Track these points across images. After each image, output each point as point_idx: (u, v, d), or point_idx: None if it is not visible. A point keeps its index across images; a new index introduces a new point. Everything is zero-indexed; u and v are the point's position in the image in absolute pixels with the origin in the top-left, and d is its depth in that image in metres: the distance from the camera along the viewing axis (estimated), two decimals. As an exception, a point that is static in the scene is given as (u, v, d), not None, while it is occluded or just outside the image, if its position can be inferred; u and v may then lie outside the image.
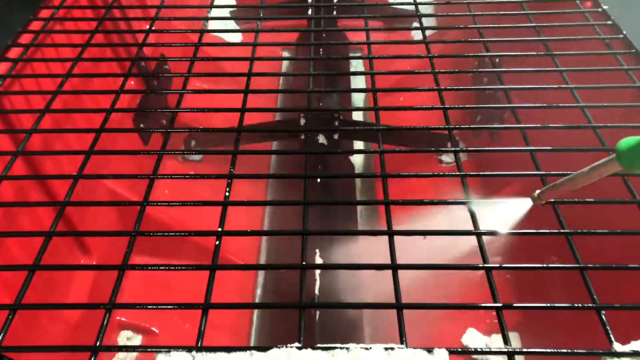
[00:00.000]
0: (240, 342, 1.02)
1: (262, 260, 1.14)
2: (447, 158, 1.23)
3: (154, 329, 0.98)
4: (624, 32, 0.77)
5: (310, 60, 0.77)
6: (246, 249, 1.15)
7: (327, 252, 1.05)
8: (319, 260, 1.03)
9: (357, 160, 1.27)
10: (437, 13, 1.13)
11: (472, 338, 0.88)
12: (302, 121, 1.14)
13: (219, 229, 0.53)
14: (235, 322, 1.05)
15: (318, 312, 0.84)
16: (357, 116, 1.38)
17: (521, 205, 0.55)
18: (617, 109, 0.72)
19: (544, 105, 0.67)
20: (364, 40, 0.82)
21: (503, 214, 0.56)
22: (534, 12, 0.83)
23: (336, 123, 1.15)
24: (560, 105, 0.67)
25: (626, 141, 0.41)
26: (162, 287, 1.06)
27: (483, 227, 0.53)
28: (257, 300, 1.09)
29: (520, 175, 0.61)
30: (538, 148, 0.61)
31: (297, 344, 0.43)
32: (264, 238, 1.16)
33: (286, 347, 0.43)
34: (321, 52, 1.31)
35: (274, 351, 0.43)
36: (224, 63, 0.91)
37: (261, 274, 1.11)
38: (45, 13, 0.87)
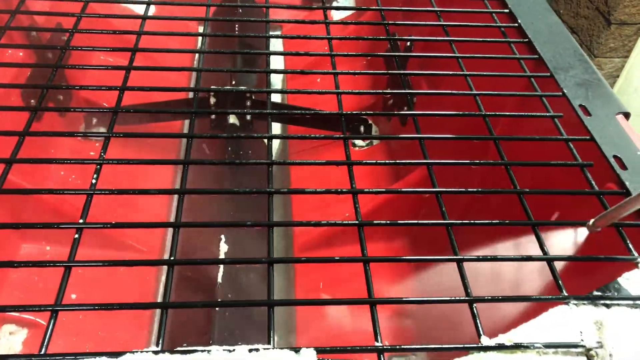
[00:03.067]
0: (141, 333, 0.97)
1: (168, 248, 1.09)
2: (360, 142, 1.23)
3: (40, 320, 0.91)
4: (519, 21, 0.78)
5: (203, 36, 0.72)
6: (149, 233, 1.10)
7: (234, 237, 1.02)
8: (224, 246, 1.00)
9: (274, 142, 1.24)
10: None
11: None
12: (213, 100, 1.09)
13: (80, 220, 0.49)
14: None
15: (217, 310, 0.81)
16: (276, 98, 1.35)
17: (577, 235, 0.54)
18: (511, 98, 0.73)
19: (439, 92, 0.66)
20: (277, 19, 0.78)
21: (558, 245, 0.54)
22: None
23: (248, 103, 1.11)
24: (454, 92, 0.66)
25: None
26: (53, 273, 1.00)
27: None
28: (161, 287, 1.05)
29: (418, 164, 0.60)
30: (427, 136, 0.60)
31: (153, 348, 0.40)
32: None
33: (141, 352, 0.39)
34: (237, 29, 1.25)
35: (126, 356, 0.39)
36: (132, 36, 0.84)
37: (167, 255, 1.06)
38: None
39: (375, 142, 1.19)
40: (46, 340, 0.41)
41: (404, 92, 0.67)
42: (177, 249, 1.10)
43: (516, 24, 0.79)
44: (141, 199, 1.13)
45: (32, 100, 1.07)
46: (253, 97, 1.11)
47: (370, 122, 1.22)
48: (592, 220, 0.52)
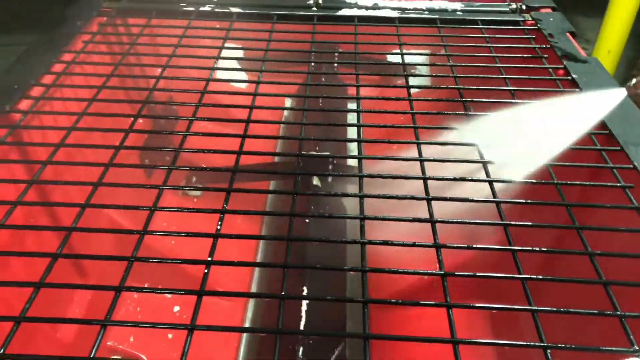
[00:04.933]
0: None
1: (252, 290, 1.19)
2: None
3: (142, 356, 1.01)
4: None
5: (304, 110, 0.85)
6: (236, 282, 1.20)
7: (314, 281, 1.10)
8: (305, 290, 1.08)
9: (349, 203, 1.34)
10: (427, 73, 1.22)
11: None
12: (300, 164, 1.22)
13: (209, 258, 0.59)
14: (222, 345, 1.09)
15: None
16: (353, 163, 1.46)
17: (615, 96, 0.54)
18: (582, 170, 0.79)
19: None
20: (355, 96, 0.90)
21: (594, 105, 0.55)
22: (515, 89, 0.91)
23: (330, 167, 1.22)
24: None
25: None
26: (153, 314, 1.12)
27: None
28: (247, 323, 1.13)
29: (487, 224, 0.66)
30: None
31: (271, 366, 0.48)
32: (256, 274, 1.21)
33: (260, 367, 0.48)
34: (320, 103, 1.39)
35: (249, 370, 0.47)
36: (229, 109, 0.99)
37: (250, 308, 1.16)
38: (67, 57, 0.96)
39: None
40: (185, 356, 0.50)
41: (480, 161, 0.74)
42: (265, 290, 1.19)
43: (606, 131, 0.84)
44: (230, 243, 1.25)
45: (147, 160, 1.24)
46: (335, 162, 1.23)
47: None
48: (633, 81, 0.54)
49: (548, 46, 1.01)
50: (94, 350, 0.51)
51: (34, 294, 0.55)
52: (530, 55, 1.00)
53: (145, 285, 1.19)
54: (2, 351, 0.49)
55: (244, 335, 1.10)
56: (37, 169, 0.74)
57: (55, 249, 0.61)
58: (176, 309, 1.16)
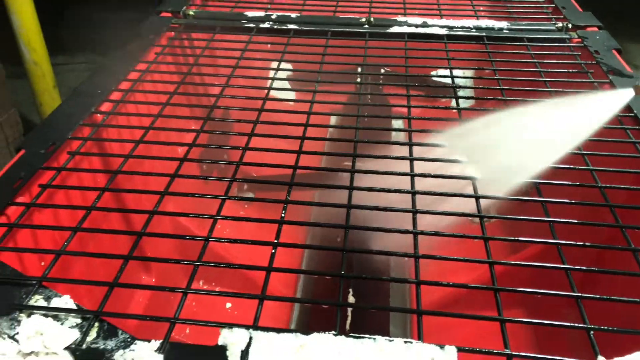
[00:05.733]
0: None
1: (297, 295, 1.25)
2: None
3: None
4: (634, 112, 0.87)
5: (357, 117, 0.91)
6: (284, 282, 1.26)
7: (359, 290, 1.15)
8: (351, 298, 1.13)
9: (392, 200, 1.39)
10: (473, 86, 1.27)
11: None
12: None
13: (275, 241, 0.66)
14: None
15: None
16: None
17: (621, 96, 0.54)
18: (627, 176, 0.82)
19: (559, 166, 0.77)
20: (405, 105, 0.96)
21: (600, 106, 0.56)
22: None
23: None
24: (572, 167, 0.77)
25: None
26: (207, 311, 1.18)
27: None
28: (296, 310, 1.18)
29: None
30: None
31: (333, 332, 0.54)
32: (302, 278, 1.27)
33: (324, 332, 0.53)
34: (365, 114, 1.45)
35: (314, 335, 0.53)
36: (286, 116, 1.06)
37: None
38: (141, 66, 1.06)
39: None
40: (257, 321, 0.56)
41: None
42: (312, 285, 1.23)
43: (632, 114, 0.88)
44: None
45: (205, 166, 1.33)
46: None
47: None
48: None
49: (594, 62, 1.05)
50: (178, 311, 0.57)
51: (124, 264, 0.62)
52: (575, 71, 1.03)
53: (201, 283, 1.29)
54: (100, 309, 0.56)
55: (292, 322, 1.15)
56: (113, 162, 0.82)
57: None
58: (228, 305, 1.23)
